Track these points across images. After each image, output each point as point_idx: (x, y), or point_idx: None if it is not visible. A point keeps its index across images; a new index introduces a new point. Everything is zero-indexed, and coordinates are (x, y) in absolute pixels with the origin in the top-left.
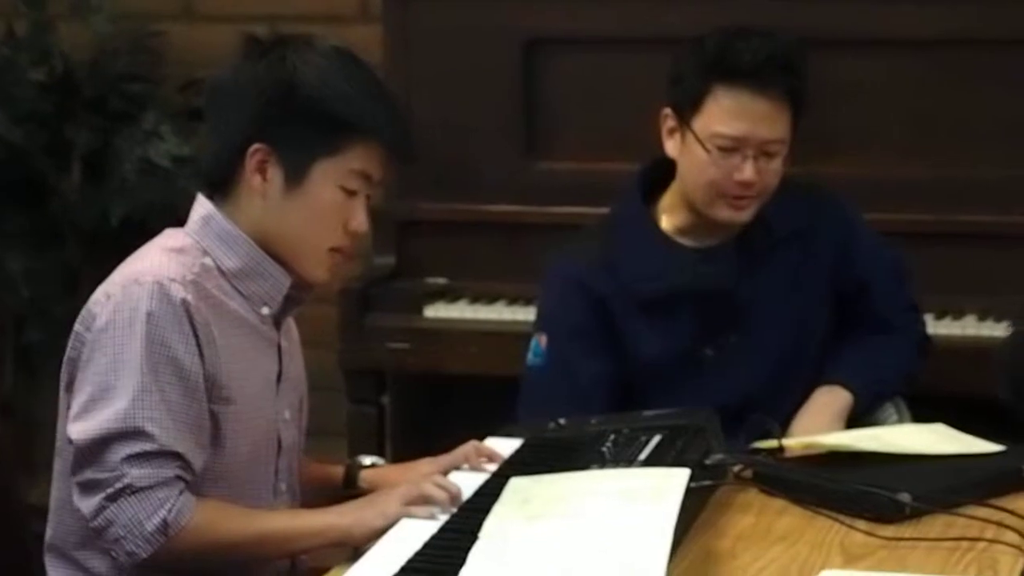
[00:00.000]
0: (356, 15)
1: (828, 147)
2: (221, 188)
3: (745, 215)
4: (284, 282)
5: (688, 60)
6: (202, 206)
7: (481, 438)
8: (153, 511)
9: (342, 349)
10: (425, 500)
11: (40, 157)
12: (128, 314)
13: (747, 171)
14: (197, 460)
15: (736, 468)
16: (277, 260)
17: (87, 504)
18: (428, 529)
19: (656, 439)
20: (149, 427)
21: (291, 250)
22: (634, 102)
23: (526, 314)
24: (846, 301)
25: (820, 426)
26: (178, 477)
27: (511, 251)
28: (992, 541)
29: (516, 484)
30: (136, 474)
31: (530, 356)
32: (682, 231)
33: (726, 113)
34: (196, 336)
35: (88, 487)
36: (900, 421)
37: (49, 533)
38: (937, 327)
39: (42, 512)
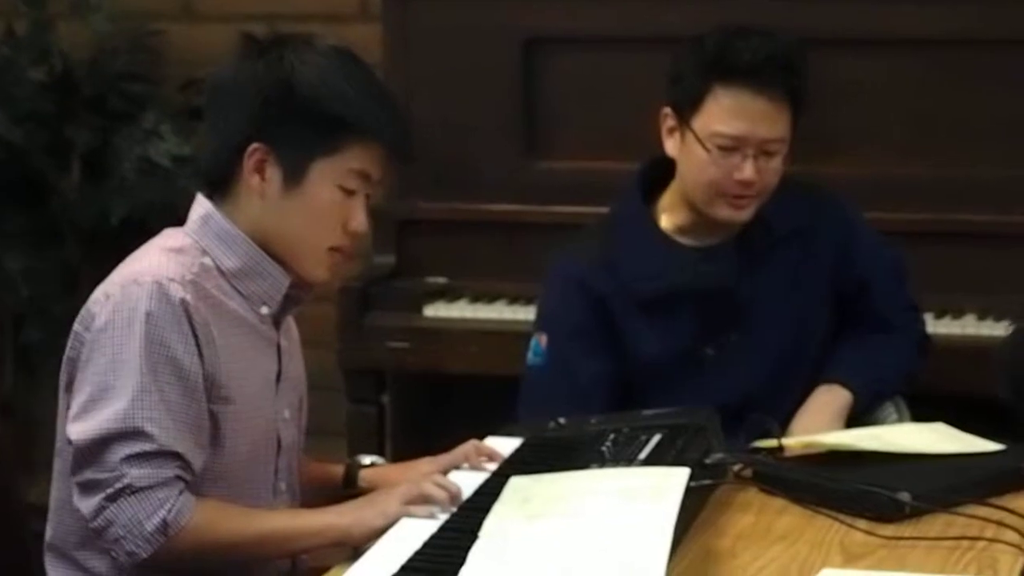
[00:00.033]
0: (355, 14)
1: (828, 146)
2: (220, 188)
3: (745, 214)
4: (283, 282)
5: (688, 59)
6: (201, 206)
7: (481, 437)
8: (153, 511)
9: (342, 348)
10: (425, 499)
11: (40, 156)
12: (127, 314)
13: (747, 170)
14: (197, 460)
15: (736, 467)
16: (276, 259)
17: (87, 504)
18: (428, 528)
19: (656, 438)
20: (148, 427)
21: (290, 250)
22: (634, 101)
23: (526, 313)
24: (846, 300)
25: (820, 425)
26: (178, 477)
27: (511, 250)
28: (992, 540)
29: (516, 483)
30: (136, 474)
31: (530, 355)
32: (682, 230)
33: (726, 112)
34: (195, 336)
35: (88, 487)
36: (900, 420)
37: (49, 533)
38: (936, 326)
39: (42, 511)
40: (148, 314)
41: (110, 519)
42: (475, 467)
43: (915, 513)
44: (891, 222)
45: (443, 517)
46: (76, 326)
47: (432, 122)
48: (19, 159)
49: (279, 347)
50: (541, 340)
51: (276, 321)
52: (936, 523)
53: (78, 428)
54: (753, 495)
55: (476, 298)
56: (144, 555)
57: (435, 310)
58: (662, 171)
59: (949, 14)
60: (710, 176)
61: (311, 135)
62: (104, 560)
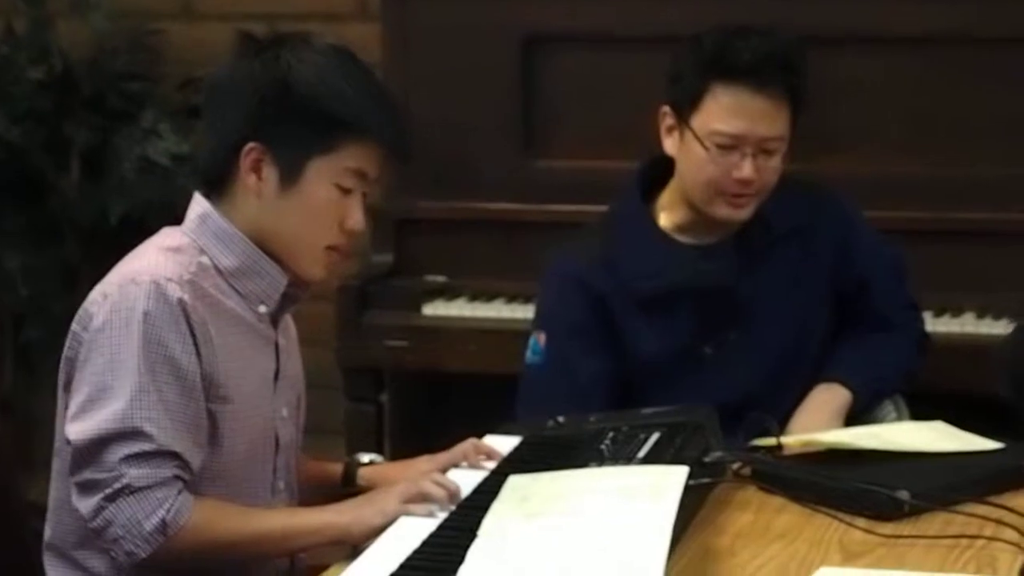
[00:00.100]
0: (354, 13)
1: (827, 145)
2: (217, 187)
3: (744, 213)
4: (281, 280)
5: (687, 58)
6: (199, 204)
7: (480, 436)
8: (152, 511)
9: (340, 347)
10: (424, 498)
11: (39, 155)
12: (125, 314)
13: (746, 169)
14: (195, 459)
15: (735, 466)
16: (274, 258)
17: (86, 504)
18: (427, 527)
19: (655, 437)
20: (147, 427)
21: (287, 248)
22: (633, 100)
23: (525, 312)
24: (845, 299)
25: (819, 424)
26: (176, 477)
27: (510, 249)
28: (991, 538)
29: (515, 482)
30: (134, 474)
31: (529, 354)
32: (681, 229)
33: (725, 111)
34: (193, 335)
35: (87, 487)
36: (899, 419)
37: (48, 532)
38: (936, 325)
39: (41, 510)
40: (146, 314)
41: (109, 519)
42: (474, 465)
43: (914, 511)
44: (890, 220)
45: (442, 516)
46: (74, 326)
47: (431, 121)
48: (18, 158)
49: (277, 346)
50: (540, 339)
51: (274, 320)
52: (935, 521)
53: (76, 428)
54: (752, 493)
55: (475, 297)
56: (143, 555)
57: (434, 309)
58: (661, 170)
59: (948, 12)
60: (709, 175)
61: (307, 134)
62: (103, 560)
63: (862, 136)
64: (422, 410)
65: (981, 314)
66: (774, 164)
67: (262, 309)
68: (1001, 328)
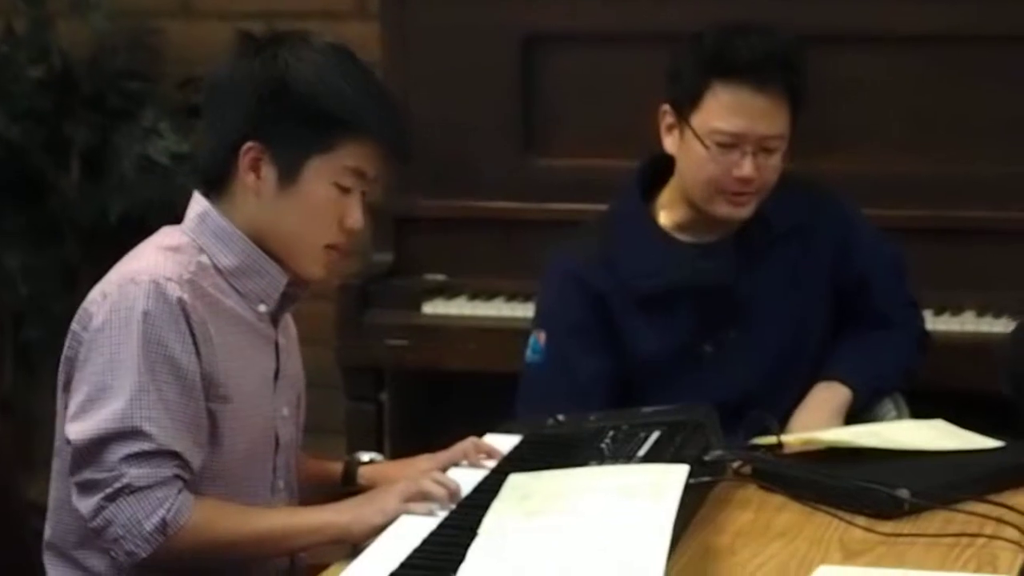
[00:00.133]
0: (354, 12)
1: (827, 143)
2: (217, 186)
3: (744, 211)
4: (281, 279)
5: (687, 57)
6: (198, 204)
7: (480, 434)
8: (152, 511)
9: (340, 346)
10: (424, 497)
11: (39, 154)
12: (124, 314)
13: (746, 167)
14: (195, 459)
15: (735, 464)
16: (273, 257)
17: (86, 504)
18: (427, 526)
19: (655, 435)
20: (147, 427)
21: (286, 247)
22: (633, 99)
23: (525, 310)
24: (845, 297)
25: (819, 422)
26: (176, 476)
27: (510, 248)
28: (991, 537)
29: (515, 480)
30: (134, 474)
31: (529, 353)
32: (681, 227)
33: (725, 109)
34: (193, 335)
35: (87, 487)
36: (899, 417)
37: (48, 532)
38: (936, 323)
39: (42, 509)
40: (145, 313)
41: (109, 519)
42: (474, 464)
43: (914, 510)
44: (890, 219)
45: (442, 514)
46: (74, 325)
47: (431, 120)
48: (18, 157)
49: (277, 345)
50: (540, 337)
51: (274, 319)
52: (935, 520)
53: (76, 428)
54: (752, 492)
55: (475, 295)
56: (143, 554)
57: (434, 307)
58: (661, 168)
59: (948, 11)
60: (709, 173)
61: (306, 133)
62: (103, 559)
63: (862, 135)
64: (422, 409)
65: (981, 312)
66: (774, 163)
67: (262, 308)
68: (1001, 326)
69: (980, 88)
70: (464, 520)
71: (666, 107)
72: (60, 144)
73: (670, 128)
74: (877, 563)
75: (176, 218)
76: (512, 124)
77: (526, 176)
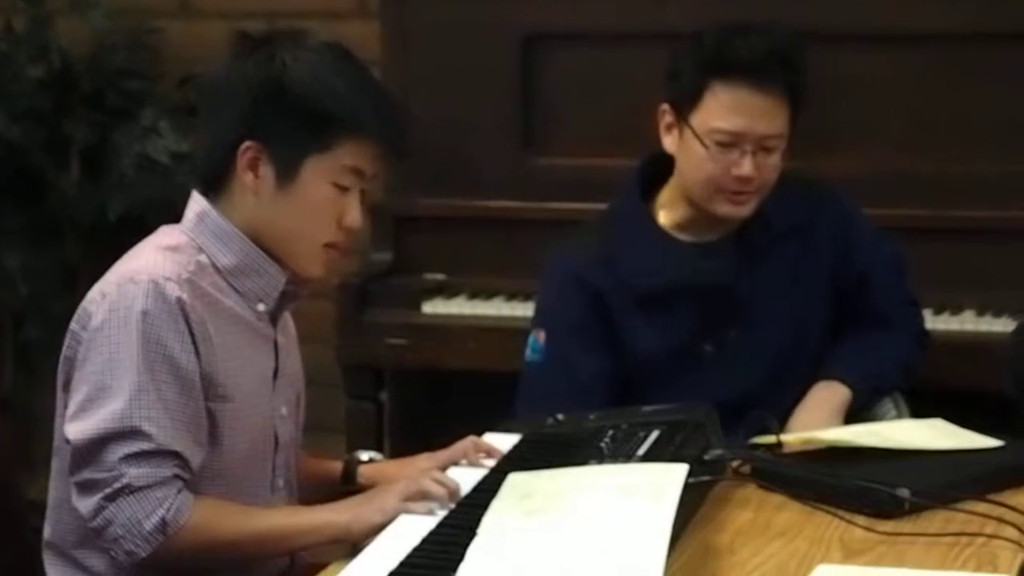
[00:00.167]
0: (353, 11)
1: (827, 142)
2: (215, 185)
3: (744, 210)
4: (280, 278)
5: (686, 56)
6: (197, 203)
7: (480, 434)
8: (151, 510)
9: (340, 345)
10: (423, 496)
11: (38, 153)
12: (123, 313)
13: (745, 166)
14: (195, 458)
15: (735, 463)
16: (272, 256)
17: (85, 504)
18: (426, 525)
19: (655, 435)
20: (146, 426)
21: (285, 246)
22: (632, 98)
23: (524, 310)
24: (845, 296)
25: (819, 422)
26: (176, 476)
27: (509, 247)
28: (991, 536)
29: (515, 480)
30: (134, 473)
31: (528, 352)
32: (680, 226)
33: (724, 108)
34: (192, 334)
35: (86, 487)
36: (899, 417)
37: (47, 531)
38: (935, 322)
39: (42, 508)
40: (144, 313)
41: (109, 519)
42: (473, 463)
43: (914, 509)
44: (890, 218)
45: (442, 513)
46: (73, 325)
47: (431, 119)
48: (18, 156)
49: (276, 344)
50: (539, 336)
51: (273, 318)
52: (935, 519)
53: (76, 428)
54: (752, 491)
55: (474, 294)
56: (143, 554)
57: (433, 306)
58: (661, 167)
59: (948, 9)
60: (708, 172)
61: (303, 132)
62: (103, 559)
63: (862, 134)
64: (422, 408)
65: (981, 312)
66: (774, 162)
67: (261, 307)
68: (1001, 326)
69: (980, 87)
70: (464, 519)
71: (666, 106)
72: (60, 143)
73: (670, 127)
74: (877, 562)
75: (176, 217)
76: (512, 123)
77: (526, 175)
